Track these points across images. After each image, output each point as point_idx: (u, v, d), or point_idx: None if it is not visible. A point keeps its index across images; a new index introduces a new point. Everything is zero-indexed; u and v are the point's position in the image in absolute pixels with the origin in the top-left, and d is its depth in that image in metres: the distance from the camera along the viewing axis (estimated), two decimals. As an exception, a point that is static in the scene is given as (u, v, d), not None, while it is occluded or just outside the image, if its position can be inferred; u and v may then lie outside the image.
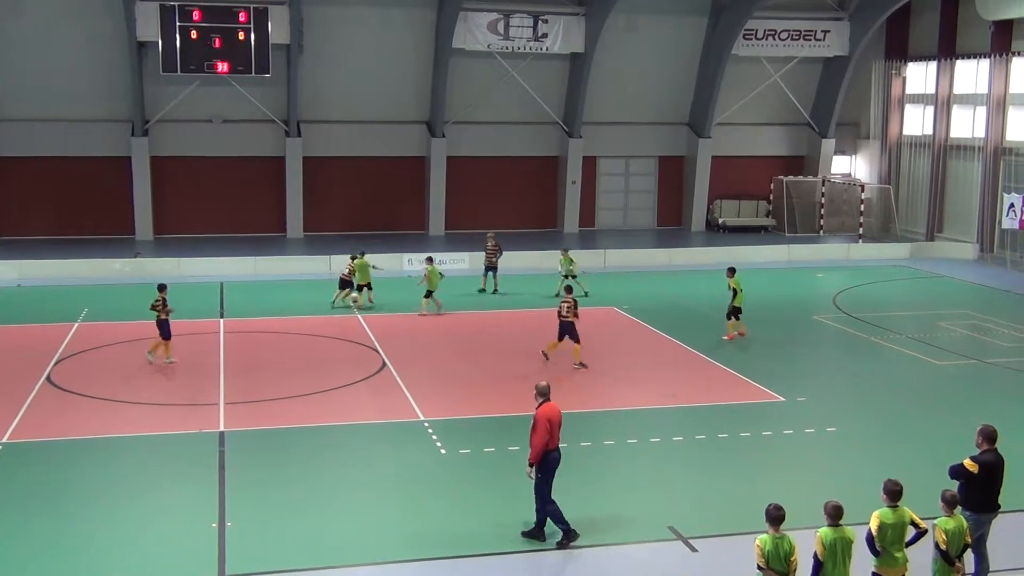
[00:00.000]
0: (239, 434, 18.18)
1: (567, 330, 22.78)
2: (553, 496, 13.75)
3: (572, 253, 31.32)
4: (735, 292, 25.60)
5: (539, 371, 22.61)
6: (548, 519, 13.83)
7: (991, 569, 12.46)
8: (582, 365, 22.86)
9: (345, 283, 29.07)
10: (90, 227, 39.11)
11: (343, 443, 17.92)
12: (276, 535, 14.01)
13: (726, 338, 25.65)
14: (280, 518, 14.59)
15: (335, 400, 20.37)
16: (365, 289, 29.04)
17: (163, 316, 22.77)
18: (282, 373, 22.21)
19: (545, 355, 23.25)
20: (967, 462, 12.31)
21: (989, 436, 12.49)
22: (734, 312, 25.69)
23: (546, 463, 13.67)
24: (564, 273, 30.38)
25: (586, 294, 29.96)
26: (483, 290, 31.57)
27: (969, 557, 11.95)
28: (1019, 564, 13.10)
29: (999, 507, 12.47)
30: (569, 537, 13.73)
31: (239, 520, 14.40)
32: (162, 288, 23.35)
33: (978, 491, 12.25)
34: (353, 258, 29.43)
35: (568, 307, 22.76)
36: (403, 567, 13.19)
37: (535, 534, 13.86)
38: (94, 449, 17.43)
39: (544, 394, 13.85)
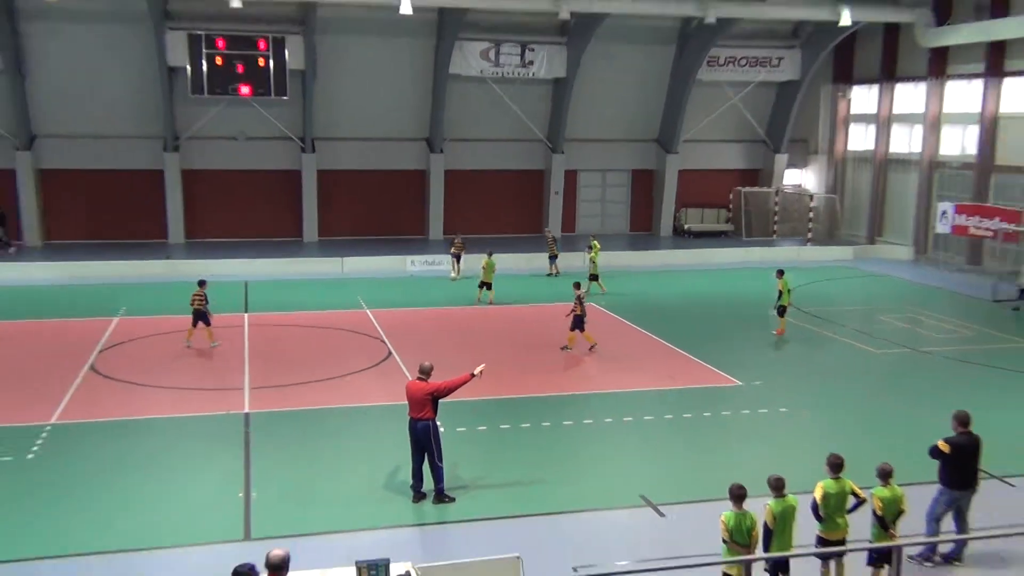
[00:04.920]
0: (262, 415, 18.26)
1: (579, 322, 23.27)
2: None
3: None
4: (780, 292, 25.27)
5: (523, 359, 22.73)
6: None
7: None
8: (567, 349, 23.26)
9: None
10: (128, 232, 39.05)
11: (354, 422, 18.02)
12: (295, 504, 14.08)
13: (776, 333, 25.45)
14: (299, 488, 14.66)
15: (347, 385, 20.45)
16: (485, 288, 29.17)
17: (203, 308, 23.00)
18: (300, 361, 22.27)
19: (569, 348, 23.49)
20: (940, 443, 12.20)
21: (962, 420, 12.35)
22: (782, 310, 25.39)
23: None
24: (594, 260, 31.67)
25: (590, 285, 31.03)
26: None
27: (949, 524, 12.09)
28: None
29: (975, 484, 12.28)
30: (415, 493, 14.12)
31: (263, 490, 14.49)
32: (202, 284, 23.59)
33: (952, 469, 12.16)
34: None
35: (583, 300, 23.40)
36: (403, 531, 13.28)
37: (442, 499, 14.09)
38: (133, 429, 17.48)
39: (419, 371, 14.14)
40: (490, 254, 29.92)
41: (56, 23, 36.22)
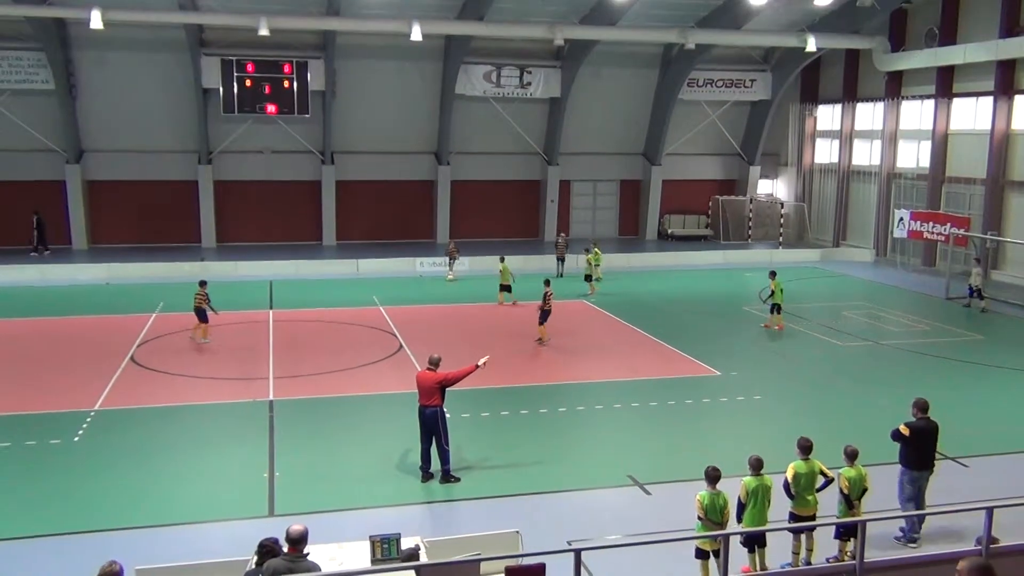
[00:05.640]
0: (285, 402, 18.17)
1: (546, 316, 23.14)
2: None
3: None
4: (773, 291, 25.05)
5: (522, 351, 22.63)
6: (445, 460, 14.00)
7: (890, 508, 12.47)
8: (541, 342, 23.18)
9: (587, 277, 29.55)
10: (165, 236, 38.94)
11: (368, 409, 17.95)
12: (314, 483, 14.00)
13: (764, 326, 25.33)
14: (318, 469, 14.58)
15: (362, 375, 20.37)
16: (506, 292, 28.34)
17: (202, 306, 22.80)
18: (319, 353, 22.19)
19: (543, 342, 23.24)
20: (902, 427, 12.08)
21: (921, 406, 12.25)
22: (776, 308, 25.19)
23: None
24: (595, 264, 31.76)
25: (598, 279, 31.63)
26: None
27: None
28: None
29: (932, 466, 12.15)
30: (424, 474, 14.03)
31: (285, 471, 14.39)
32: (203, 284, 23.45)
33: (912, 451, 12.05)
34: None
35: (551, 298, 23.23)
36: (412, 508, 13.20)
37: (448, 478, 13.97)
38: (168, 414, 17.41)
39: (429, 362, 14.11)
40: (502, 259, 29.63)
41: (104, 51, 36.13)
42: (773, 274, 25.76)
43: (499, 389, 19.18)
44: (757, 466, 10.74)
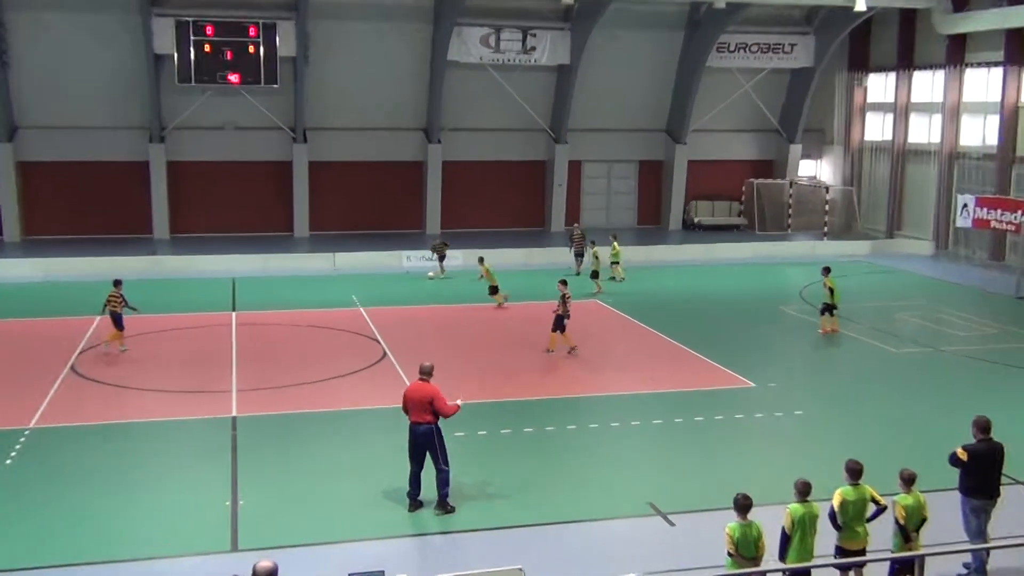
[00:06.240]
0: (250, 419, 18.15)
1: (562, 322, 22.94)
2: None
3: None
4: (831, 291, 25.10)
5: (525, 360, 22.62)
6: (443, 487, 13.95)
7: (954, 541, 12.42)
8: (551, 351, 23.08)
9: (595, 273, 29.87)
10: (110, 227, 38.94)
11: (347, 427, 17.92)
12: (284, 512, 13.97)
13: (820, 332, 25.30)
14: (288, 497, 14.56)
15: (339, 387, 20.34)
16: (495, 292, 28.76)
17: (118, 309, 22.66)
18: (290, 362, 22.17)
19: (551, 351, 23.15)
20: (959, 450, 12.06)
21: (982, 426, 12.18)
22: (828, 308, 25.20)
23: (408, 432, 14.00)
24: (613, 260, 32.17)
25: (613, 278, 32.13)
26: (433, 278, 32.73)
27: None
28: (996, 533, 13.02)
29: (996, 493, 12.09)
30: (412, 502, 14.00)
31: (250, 498, 14.38)
32: (117, 283, 23.27)
33: (971, 477, 12.01)
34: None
35: (569, 301, 23.05)
36: (401, 542, 13.17)
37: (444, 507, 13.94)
38: (115, 433, 17.39)
39: (420, 372, 14.08)
40: (481, 259, 29.65)
41: (40, 12, 36.18)
42: (827, 270, 25.68)
43: (499, 404, 19.16)
44: (805, 491, 10.72)
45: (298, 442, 16.98)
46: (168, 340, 24.05)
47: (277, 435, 17.34)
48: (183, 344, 23.75)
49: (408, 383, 20.07)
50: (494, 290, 28.52)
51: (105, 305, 22.81)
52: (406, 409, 14.06)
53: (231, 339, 24.32)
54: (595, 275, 31.02)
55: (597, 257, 31.43)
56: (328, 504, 14.29)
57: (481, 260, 29.51)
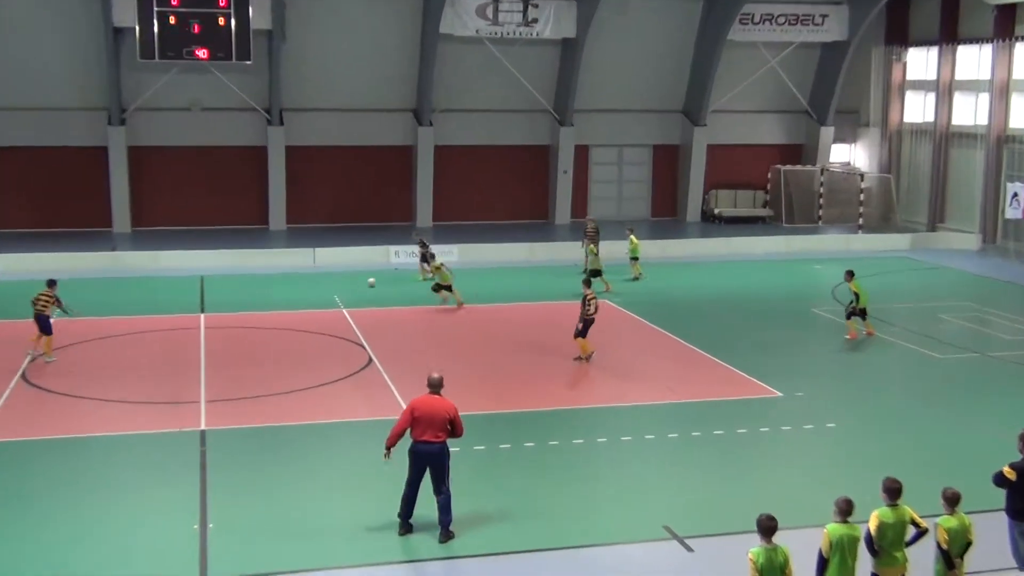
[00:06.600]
0: (221, 433, 18.14)
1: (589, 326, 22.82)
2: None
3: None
4: (856, 295, 25.12)
5: (528, 366, 22.62)
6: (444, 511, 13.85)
7: (1002, 568, 12.42)
8: (582, 360, 22.93)
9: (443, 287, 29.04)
10: (65, 220, 38.94)
11: (329, 441, 17.92)
12: (259, 537, 13.95)
13: (848, 337, 25.31)
14: (264, 520, 14.53)
15: (320, 397, 20.33)
16: (446, 291, 28.75)
17: (46, 312, 22.62)
18: (265, 369, 22.15)
19: (583, 358, 23.00)
20: (1006, 469, 12.06)
21: None
22: (857, 313, 25.19)
23: (409, 451, 13.82)
24: (631, 256, 32.37)
25: (636, 278, 32.43)
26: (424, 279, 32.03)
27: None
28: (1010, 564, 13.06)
29: None
30: (403, 524, 13.95)
31: (221, 522, 14.35)
32: (52, 284, 23.26)
33: (1019, 498, 12.03)
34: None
35: (595, 303, 22.85)
36: (392, 569, 13.17)
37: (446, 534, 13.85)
38: (72, 448, 17.36)
39: (430, 385, 13.95)
40: (433, 257, 29.64)
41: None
42: (851, 274, 25.70)
43: (497, 415, 19.15)
44: (846, 510, 10.72)
45: (274, 459, 16.96)
46: (129, 345, 24.01)
47: (251, 451, 17.32)
48: (146, 350, 23.73)
49: (396, 392, 20.31)
50: (440, 288, 28.36)
51: (33, 305, 22.75)
52: (410, 426, 13.79)
53: (199, 344, 24.31)
54: (596, 274, 30.54)
55: (594, 253, 31.04)
56: (308, 528, 14.24)
57: (432, 257, 29.41)
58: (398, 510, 14.06)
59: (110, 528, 14.23)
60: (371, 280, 31.28)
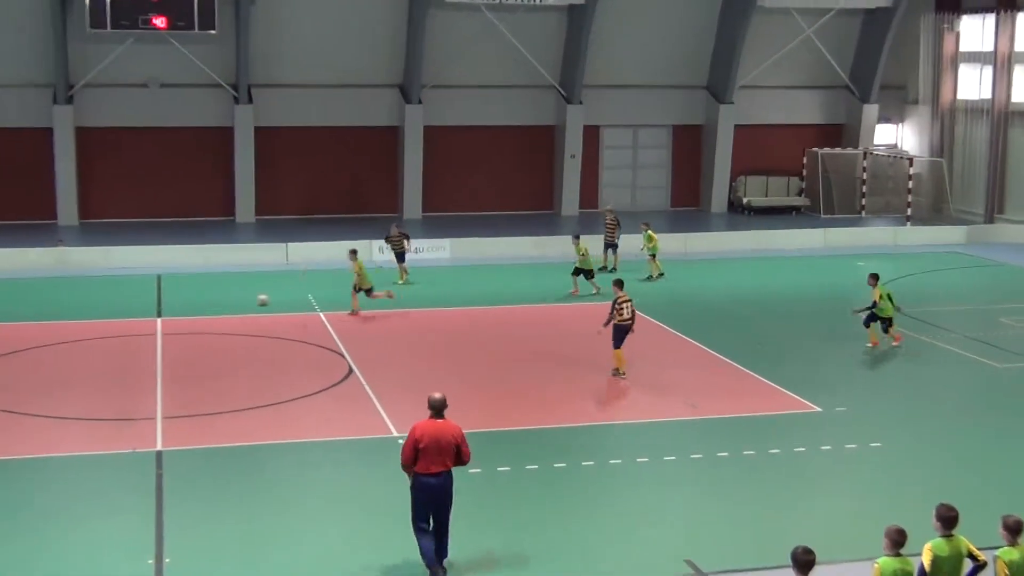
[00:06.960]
0: (179, 453, 18.10)
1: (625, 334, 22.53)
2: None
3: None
4: (875, 301, 24.92)
5: (530, 378, 22.58)
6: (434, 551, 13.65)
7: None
8: (619, 373, 22.72)
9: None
10: (4, 211, 38.93)
11: (303, 464, 17.86)
12: (222, 574, 13.93)
13: (870, 344, 25.24)
14: (227, 554, 14.50)
15: (294, 413, 20.30)
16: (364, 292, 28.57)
17: None
18: (231, 382, 22.17)
19: (620, 372, 22.77)
20: None
21: None
22: (879, 319, 25.08)
23: (415, 487, 13.53)
24: (649, 253, 32.54)
25: (650, 277, 32.51)
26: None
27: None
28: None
29: None
30: (438, 570, 13.57)
31: (179, 556, 14.29)
32: None
33: None
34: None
35: (630, 307, 22.47)
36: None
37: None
38: (9, 472, 17.31)
39: (431, 407, 13.65)
40: (354, 253, 29.28)
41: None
42: (875, 278, 25.57)
43: (495, 434, 19.11)
44: (899, 540, 10.70)
45: (240, 483, 16.92)
46: (76, 354, 23.95)
47: (213, 475, 17.28)
48: (95, 359, 23.70)
49: (380, 407, 20.25)
50: (369, 291, 28.27)
51: None
52: (414, 456, 13.49)
53: (156, 352, 24.27)
54: (589, 275, 30.32)
55: (586, 254, 30.82)
56: (277, 564, 14.19)
57: (354, 253, 29.12)
58: (422, 561, 13.62)
59: (53, 565, 14.16)
60: (304, 269, 31.68)
